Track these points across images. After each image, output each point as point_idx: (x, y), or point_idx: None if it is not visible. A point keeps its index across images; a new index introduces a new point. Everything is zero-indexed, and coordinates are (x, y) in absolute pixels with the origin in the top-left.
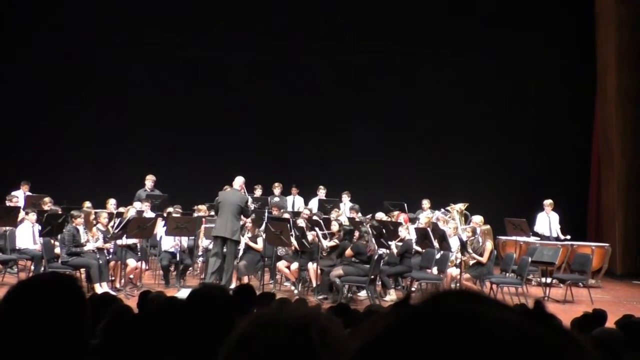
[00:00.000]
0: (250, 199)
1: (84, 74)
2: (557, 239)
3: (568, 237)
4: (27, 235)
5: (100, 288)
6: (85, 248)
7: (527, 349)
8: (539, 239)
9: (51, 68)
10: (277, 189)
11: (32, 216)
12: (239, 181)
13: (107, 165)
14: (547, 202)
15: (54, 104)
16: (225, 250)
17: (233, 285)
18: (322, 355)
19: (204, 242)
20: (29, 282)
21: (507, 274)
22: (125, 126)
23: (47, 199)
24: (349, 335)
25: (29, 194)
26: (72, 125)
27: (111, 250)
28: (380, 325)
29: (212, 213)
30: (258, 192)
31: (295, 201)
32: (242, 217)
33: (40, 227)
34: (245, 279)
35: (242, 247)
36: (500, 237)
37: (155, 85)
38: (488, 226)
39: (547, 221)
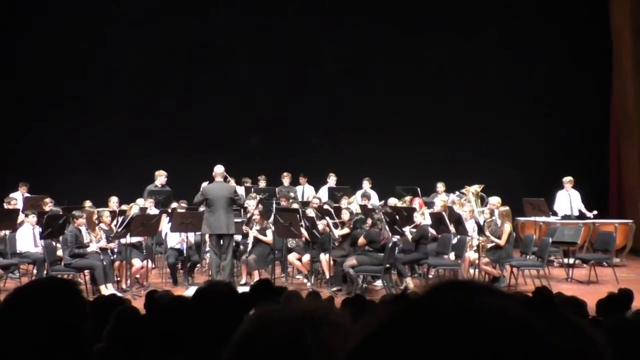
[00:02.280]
0: (242, 188)
1: (81, 71)
2: (580, 217)
3: (595, 212)
4: (27, 238)
5: (107, 290)
6: (89, 249)
7: (527, 343)
8: (559, 218)
9: (47, 64)
10: (286, 179)
11: (32, 218)
12: (219, 171)
13: (107, 162)
14: (567, 179)
15: (50, 102)
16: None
17: (243, 281)
18: (316, 354)
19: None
20: (26, 288)
21: (528, 256)
22: (125, 121)
23: (47, 200)
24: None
25: (28, 195)
26: (69, 123)
27: (115, 250)
28: (376, 321)
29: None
30: (262, 183)
31: (305, 190)
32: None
33: (40, 229)
34: (256, 274)
35: (250, 240)
36: (518, 218)
37: (155, 77)
38: (506, 207)
39: (568, 199)
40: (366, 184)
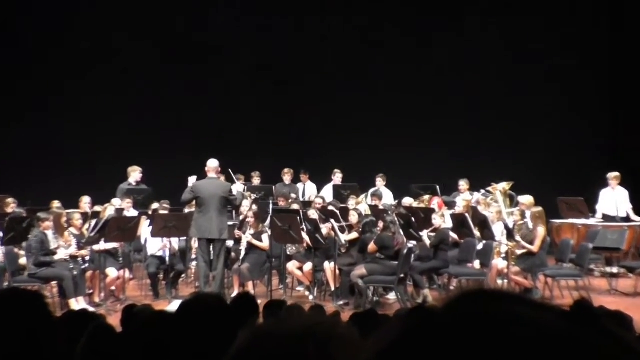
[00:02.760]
0: (241, 185)
1: (54, 58)
2: (626, 219)
3: None
4: None
5: (77, 304)
6: (57, 257)
7: (566, 358)
8: (601, 220)
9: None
10: (287, 177)
11: None
12: (213, 166)
13: (78, 158)
14: (612, 175)
15: (14, 94)
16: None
17: (235, 293)
18: None
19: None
20: None
21: (564, 265)
22: (99, 112)
23: (9, 200)
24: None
25: None
26: (34, 115)
27: (87, 257)
28: (390, 335)
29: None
30: (256, 180)
31: (306, 189)
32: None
33: (1, 234)
34: (250, 285)
35: (243, 246)
36: (553, 220)
37: (132, 63)
38: (539, 208)
39: (613, 199)
40: (380, 182)
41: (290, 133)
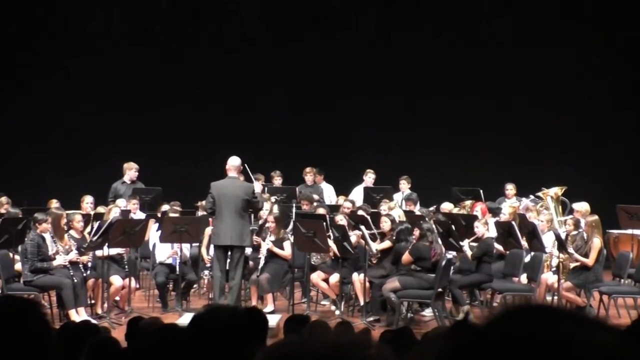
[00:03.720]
0: (259, 186)
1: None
2: None
3: None
4: None
5: (77, 315)
6: (55, 262)
7: None
8: None
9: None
10: (308, 177)
11: None
12: (235, 164)
13: (80, 153)
14: None
15: (9, 79)
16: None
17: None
18: None
19: (212, 250)
20: None
21: (622, 281)
22: (103, 106)
23: (3, 199)
24: None
25: None
26: (33, 106)
27: (89, 264)
28: (431, 354)
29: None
30: (278, 180)
31: (322, 191)
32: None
33: None
34: (270, 298)
35: (263, 254)
36: (610, 231)
37: (137, 48)
38: (595, 217)
39: None
40: (404, 185)
41: (316, 130)
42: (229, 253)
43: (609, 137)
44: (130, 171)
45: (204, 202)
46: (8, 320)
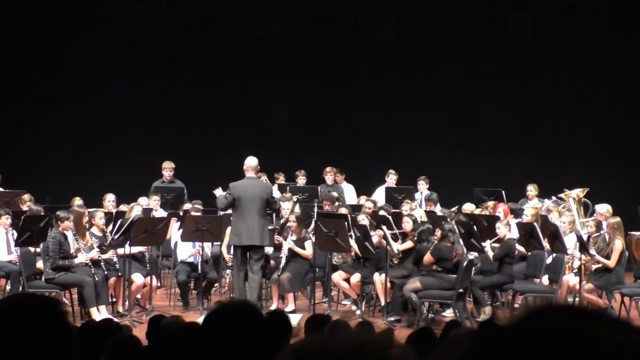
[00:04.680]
0: (278, 193)
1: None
2: None
3: None
4: None
5: (99, 313)
6: (77, 260)
7: None
8: None
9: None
10: (328, 176)
11: (6, 219)
12: (253, 164)
13: (102, 151)
14: None
15: (32, 83)
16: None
17: (274, 306)
18: None
19: (233, 249)
20: None
21: None
22: (125, 103)
23: (26, 197)
24: None
25: (0, 189)
26: (54, 104)
27: (116, 260)
28: (459, 351)
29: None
30: (301, 179)
31: (343, 191)
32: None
33: (16, 234)
34: (291, 297)
35: (284, 254)
36: (632, 232)
37: (159, 46)
38: (617, 218)
39: None
40: (422, 185)
41: (338, 129)
42: (249, 252)
43: (632, 138)
44: (164, 170)
45: None
46: (28, 318)
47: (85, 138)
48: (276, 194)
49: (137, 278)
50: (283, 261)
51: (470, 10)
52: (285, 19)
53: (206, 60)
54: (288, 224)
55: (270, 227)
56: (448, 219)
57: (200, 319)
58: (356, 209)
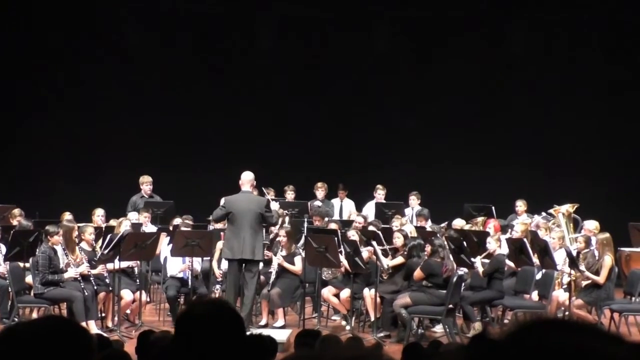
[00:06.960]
0: (270, 200)
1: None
2: None
3: None
4: None
5: (88, 328)
6: (66, 275)
7: None
8: None
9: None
10: (320, 191)
11: None
12: (248, 179)
13: (91, 166)
14: None
15: (20, 99)
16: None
17: (263, 322)
18: None
19: (224, 265)
20: (19, 330)
21: (634, 299)
22: (114, 117)
23: (15, 211)
24: None
25: None
26: (43, 118)
27: (106, 275)
28: None
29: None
30: (290, 195)
31: (343, 206)
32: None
33: (5, 249)
34: (280, 312)
35: (274, 269)
36: (622, 248)
37: (150, 59)
38: (607, 234)
39: None
40: (414, 201)
41: (330, 144)
42: (244, 268)
43: (622, 154)
44: (143, 185)
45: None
46: (58, 343)
47: (75, 153)
48: (274, 206)
49: (127, 293)
50: (273, 276)
51: (458, 23)
52: (278, 38)
53: (199, 76)
54: (278, 239)
55: None
56: (438, 234)
57: None
58: (346, 224)
